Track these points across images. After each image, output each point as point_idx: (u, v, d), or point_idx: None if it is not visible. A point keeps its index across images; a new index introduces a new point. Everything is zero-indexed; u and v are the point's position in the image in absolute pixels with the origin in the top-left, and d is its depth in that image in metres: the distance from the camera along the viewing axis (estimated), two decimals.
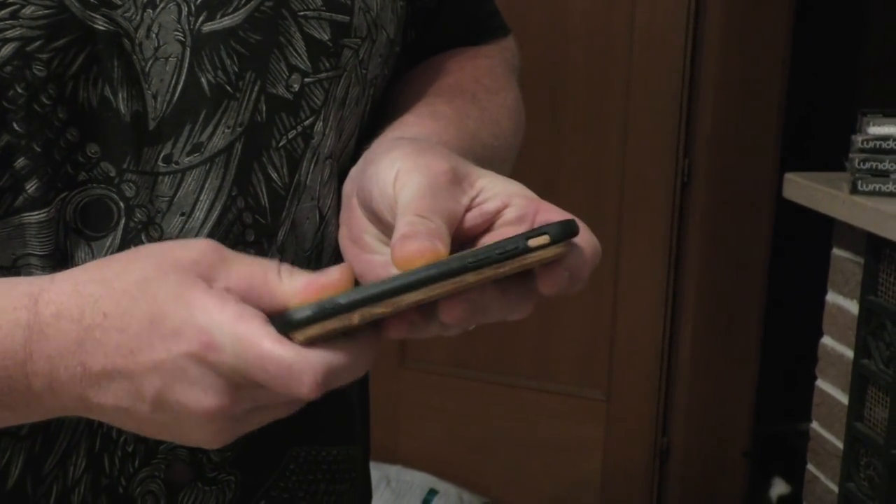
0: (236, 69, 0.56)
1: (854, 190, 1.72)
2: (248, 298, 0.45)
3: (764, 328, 2.30)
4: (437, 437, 2.51)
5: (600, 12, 2.21)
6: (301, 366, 0.42)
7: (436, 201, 0.47)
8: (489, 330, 2.30)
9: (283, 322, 0.43)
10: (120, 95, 0.54)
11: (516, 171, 0.69)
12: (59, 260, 0.55)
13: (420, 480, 2.42)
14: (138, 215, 0.55)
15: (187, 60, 0.55)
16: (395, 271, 0.46)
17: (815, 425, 1.95)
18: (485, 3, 0.77)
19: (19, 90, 0.52)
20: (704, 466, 2.37)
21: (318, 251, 0.63)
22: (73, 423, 0.58)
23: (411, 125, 0.60)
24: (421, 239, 0.45)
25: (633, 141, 2.24)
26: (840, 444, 1.85)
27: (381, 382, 2.46)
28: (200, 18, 0.55)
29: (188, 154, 0.56)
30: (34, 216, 0.54)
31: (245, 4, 0.56)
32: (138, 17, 0.54)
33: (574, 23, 2.24)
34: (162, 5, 0.54)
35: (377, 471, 2.35)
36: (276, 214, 0.59)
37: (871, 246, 1.73)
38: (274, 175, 0.58)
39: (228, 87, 0.56)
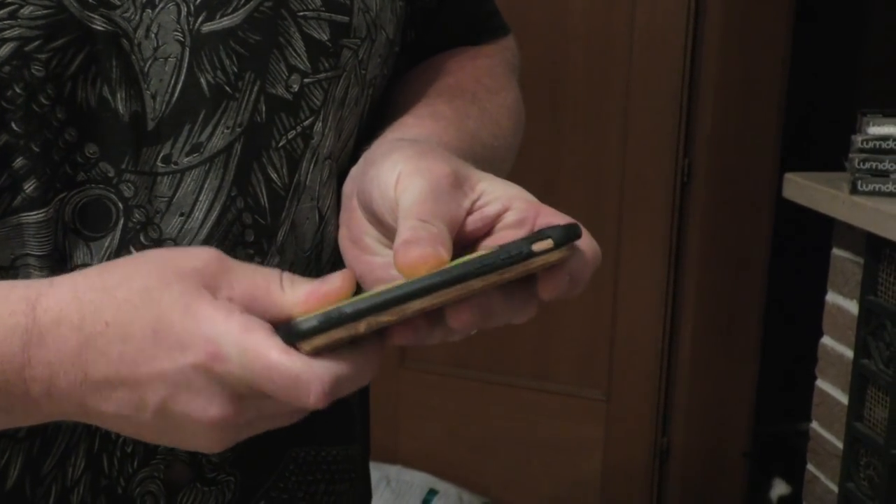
0: (235, 69, 0.56)
1: (854, 190, 1.72)
2: (252, 308, 0.45)
3: (764, 328, 2.30)
4: (437, 437, 2.51)
5: (600, 12, 2.21)
6: (308, 376, 0.42)
7: (437, 205, 0.47)
8: (489, 330, 2.29)
9: (289, 332, 0.43)
10: (118, 95, 0.54)
11: (516, 171, 0.69)
12: (58, 260, 0.55)
13: (420, 480, 2.42)
14: (137, 215, 0.55)
15: (186, 61, 0.55)
16: (395, 273, 0.46)
17: (814, 425, 1.95)
18: (484, 3, 0.77)
19: (18, 90, 0.52)
20: (704, 466, 2.37)
21: (318, 251, 0.63)
22: (72, 425, 0.58)
23: (411, 126, 0.60)
24: (424, 245, 0.45)
25: (633, 141, 2.24)
26: (840, 444, 1.85)
27: (381, 382, 2.46)
28: (200, 19, 0.55)
29: (187, 154, 0.55)
30: (32, 216, 0.54)
31: (244, 5, 0.56)
32: (137, 18, 0.54)
33: (574, 23, 2.24)
34: (161, 5, 0.54)
35: (377, 471, 2.35)
36: (276, 215, 0.59)
37: (871, 246, 1.73)
38: (273, 175, 0.58)
39: (228, 88, 0.56)
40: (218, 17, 0.55)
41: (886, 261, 1.72)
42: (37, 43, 0.52)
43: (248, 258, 0.58)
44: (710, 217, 2.26)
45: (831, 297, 1.88)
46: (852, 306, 1.80)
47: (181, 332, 0.44)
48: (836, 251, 1.86)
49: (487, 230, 0.49)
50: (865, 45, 2.62)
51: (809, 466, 1.97)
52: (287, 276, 0.46)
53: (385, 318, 0.43)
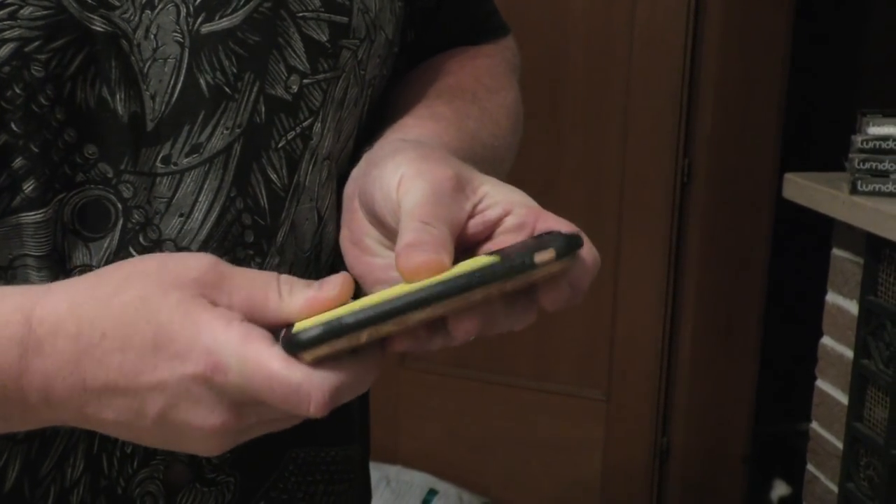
0: (235, 70, 0.56)
1: (854, 190, 1.72)
2: (251, 316, 0.45)
3: (764, 328, 2.30)
4: (437, 437, 2.51)
5: (600, 12, 2.21)
6: (308, 387, 0.42)
7: (440, 208, 0.47)
8: None
9: (289, 342, 0.43)
10: (117, 96, 0.54)
11: (516, 170, 0.69)
12: (57, 261, 0.55)
13: (420, 480, 2.42)
14: (136, 216, 0.55)
15: (186, 61, 0.55)
16: (395, 274, 0.46)
17: (814, 425, 1.95)
18: (484, 3, 0.77)
19: (17, 90, 0.52)
20: (704, 466, 2.37)
21: (317, 252, 0.63)
22: (71, 426, 0.58)
23: (411, 127, 0.60)
24: (427, 250, 0.45)
25: (633, 141, 2.24)
26: (840, 445, 1.85)
27: (381, 382, 2.45)
28: (199, 19, 0.55)
29: (187, 155, 0.55)
30: (31, 216, 0.54)
31: (244, 5, 0.56)
32: (136, 18, 0.54)
33: (574, 22, 2.24)
34: (160, 6, 0.54)
35: (377, 471, 2.35)
36: (276, 215, 0.59)
37: (871, 246, 1.73)
38: (273, 176, 0.58)
39: (227, 89, 0.56)
40: (217, 17, 0.55)
41: (886, 261, 1.72)
42: (36, 43, 0.51)
43: (248, 259, 0.58)
44: (710, 217, 2.26)
45: (831, 298, 1.88)
46: (852, 306, 1.80)
47: (181, 342, 0.44)
48: (836, 251, 1.86)
49: (488, 234, 0.49)
50: (865, 45, 2.62)
51: (809, 467, 1.96)
52: (285, 280, 0.46)
53: (386, 328, 0.43)
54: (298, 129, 0.59)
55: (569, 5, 2.23)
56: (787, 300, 2.46)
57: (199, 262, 0.46)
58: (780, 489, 2.27)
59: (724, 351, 2.31)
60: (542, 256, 0.43)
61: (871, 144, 1.72)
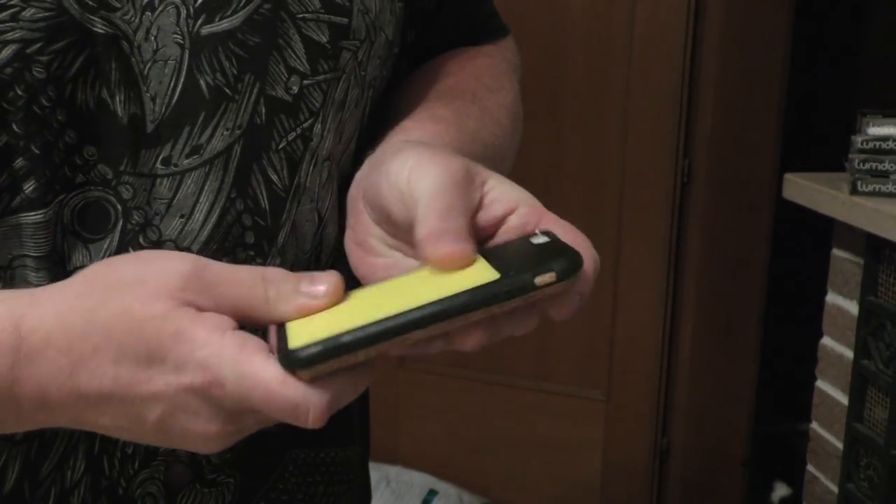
0: (235, 71, 0.56)
1: (854, 190, 1.72)
2: (239, 318, 0.45)
3: (764, 328, 2.30)
4: (437, 437, 2.51)
5: (600, 12, 2.21)
6: (307, 403, 0.43)
7: (456, 196, 0.47)
8: None
9: (288, 360, 0.43)
10: (117, 98, 0.54)
11: (516, 170, 0.69)
12: (56, 261, 0.55)
13: (420, 481, 2.42)
14: (136, 217, 0.55)
15: (186, 63, 0.55)
16: (396, 274, 0.47)
17: (814, 426, 1.95)
18: (483, 4, 0.77)
19: (19, 92, 0.52)
20: (704, 467, 2.37)
21: (317, 252, 0.63)
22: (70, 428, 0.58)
23: (411, 130, 0.60)
24: (454, 239, 0.45)
25: (633, 141, 2.24)
26: (840, 445, 1.85)
27: (381, 383, 2.46)
28: (199, 21, 0.55)
29: (187, 156, 0.55)
30: (31, 217, 0.54)
31: (244, 7, 0.56)
32: (137, 20, 0.54)
33: (574, 23, 2.24)
34: (161, 8, 0.54)
35: (377, 471, 2.35)
36: (277, 217, 0.59)
37: (871, 246, 1.73)
38: (274, 177, 0.58)
39: (227, 90, 0.56)
40: (217, 19, 0.55)
41: (886, 261, 1.72)
42: (38, 45, 0.52)
43: (249, 260, 0.58)
44: (710, 217, 2.26)
45: (831, 298, 1.88)
46: (852, 307, 1.80)
47: (174, 357, 0.44)
48: (836, 251, 1.86)
49: (491, 232, 0.49)
50: (865, 45, 2.62)
51: (809, 467, 1.97)
52: (270, 279, 0.46)
53: (384, 347, 0.43)
54: (299, 130, 0.59)
55: (568, 5, 2.23)
56: (787, 300, 2.46)
57: (179, 269, 0.45)
58: (780, 491, 2.27)
59: (724, 351, 2.31)
60: (543, 279, 0.43)
61: (871, 145, 1.72)
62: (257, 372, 0.43)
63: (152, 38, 0.54)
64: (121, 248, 0.55)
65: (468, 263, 0.45)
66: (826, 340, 1.90)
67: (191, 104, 0.55)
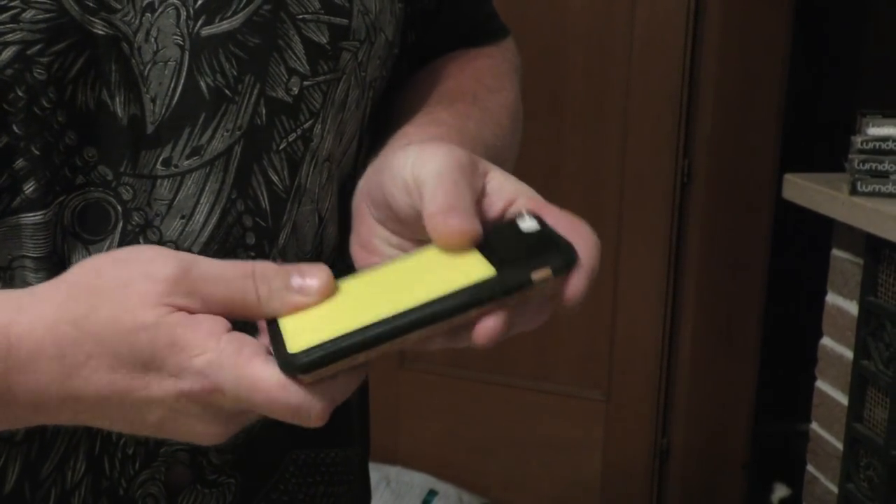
0: (235, 73, 0.56)
1: (853, 191, 1.72)
2: (230, 315, 0.45)
3: (764, 328, 2.30)
4: (437, 437, 2.51)
5: (600, 12, 2.21)
6: (309, 406, 0.43)
7: (462, 177, 0.47)
8: None
9: (288, 364, 0.43)
10: (117, 99, 0.54)
11: (516, 170, 0.69)
12: (56, 263, 0.55)
13: (420, 481, 2.42)
14: (136, 218, 0.55)
15: (186, 64, 0.55)
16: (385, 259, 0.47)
17: (814, 426, 1.95)
18: (483, 5, 0.77)
19: (20, 93, 0.52)
20: (704, 467, 2.37)
21: (318, 253, 0.63)
22: (71, 428, 0.58)
23: (412, 134, 0.60)
24: (463, 215, 0.45)
25: (633, 141, 2.24)
26: (840, 445, 1.85)
27: (381, 383, 2.46)
28: (199, 22, 0.55)
29: (187, 157, 0.56)
30: (31, 217, 0.54)
31: (244, 8, 0.56)
32: (137, 21, 0.54)
33: (574, 22, 2.24)
34: (161, 9, 0.54)
35: (377, 471, 2.35)
36: (277, 218, 0.59)
37: (871, 247, 1.73)
38: (274, 178, 0.58)
39: (227, 91, 0.56)
40: (217, 20, 0.55)
41: (886, 261, 1.72)
42: (38, 46, 0.52)
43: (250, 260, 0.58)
44: (710, 217, 2.26)
45: (831, 298, 1.88)
46: (852, 307, 1.80)
47: (171, 365, 0.44)
48: (835, 252, 1.86)
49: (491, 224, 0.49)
50: (865, 45, 2.62)
51: (809, 467, 1.97)
52: (260, 276, 0.46)
53: (385, 348, 0.43)
54: (299, 131, 0.59)
55: (568, 5, 2.23)
56: (787, 300, 2.46)
57: (164, 273, 0.45)
58: (780, 491, 2.28)
59: (723, 351, 2.31)
60: (538, 274, 0.44)
61: (870, 145, 1.72)
62: (257, 377, 0.43)
63: (152, 39, 0.54)
64: None
65: (475, 242, 0.45)
66: (826, 341, 1.90)
67: (191, 105, 0.55)
